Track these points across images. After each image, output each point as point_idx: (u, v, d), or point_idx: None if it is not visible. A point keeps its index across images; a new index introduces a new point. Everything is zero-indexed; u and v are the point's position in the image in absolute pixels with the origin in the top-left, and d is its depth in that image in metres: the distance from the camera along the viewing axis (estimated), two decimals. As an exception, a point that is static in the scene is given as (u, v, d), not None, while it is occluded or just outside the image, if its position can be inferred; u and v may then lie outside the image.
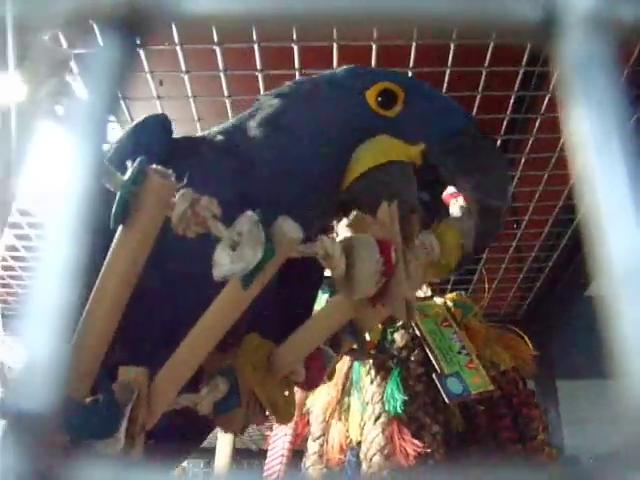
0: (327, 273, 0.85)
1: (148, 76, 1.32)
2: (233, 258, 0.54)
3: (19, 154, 0.54)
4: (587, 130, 0.18)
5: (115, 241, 0.55)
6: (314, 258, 0.62)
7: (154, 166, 0.53)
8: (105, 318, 0.56)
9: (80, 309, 0.55)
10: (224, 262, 0.54)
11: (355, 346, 0.89)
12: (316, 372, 0.82)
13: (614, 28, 0.18)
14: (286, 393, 0.77)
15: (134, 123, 0.79)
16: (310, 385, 0.85)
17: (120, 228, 0.54)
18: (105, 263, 0.55)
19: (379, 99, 0.78)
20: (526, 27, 0.19)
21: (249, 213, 0.55)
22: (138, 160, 0.52)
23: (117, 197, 0.52)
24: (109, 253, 0.55)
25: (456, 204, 0.86)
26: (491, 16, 0.19)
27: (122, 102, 1.38)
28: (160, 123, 0.79)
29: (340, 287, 0.67)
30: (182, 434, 0.78)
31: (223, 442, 2.71)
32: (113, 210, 0.51)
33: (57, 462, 0.16)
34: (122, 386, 0.64)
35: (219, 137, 0.82)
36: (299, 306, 0.88)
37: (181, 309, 0.68)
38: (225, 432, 0.78)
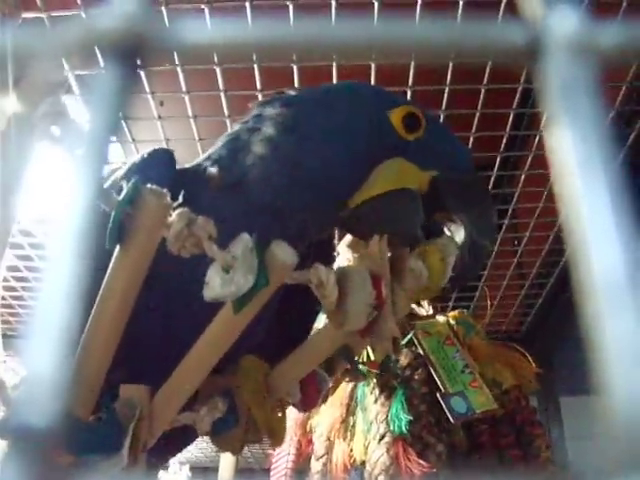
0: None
1: (149, 96, 1.33)
2: (225, 281, 0.54)
3: (16, 174, 0.54)
4: (571, 153, 0.18)
5: (112, 261, 0.55)
6: None
7: (149, 186, 0.53)
8: (105, 337, 0.57)
9: (81, 328, 0.55)
10: (215, 284, 0.54)
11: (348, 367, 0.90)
12: (311, 394, 0.83)
13: (596, 52, 0.19)
14: (280, 415, 0.78)
15: (140, 156, 0.78)
16: (305, 407, 0.85)
17: (117, 248, 0.54)
18: (104, 283, 0.55)
19: (405, 121, 0.78)
20: (512, 52, 0.19)
21: (245, 237, 0.55)
22: (132, 180, 0.52)
23: (112, 217, 0.52)
24: (107, 273, 0.55)
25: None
26: (477, 42, 0.20)
27: (123, 122, 1.39)
28: (167, 157, 0.78)
29: (330, 317, 0.67)
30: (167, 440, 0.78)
31: (226, 461, 2.70)
32: (108, 230, 0.52)
33: (60, 479, 0.17)
34: (124, 404, 0.64)
35: (215, 165, 0.81)
36: (299, 327, 0.88)
37: (180, 328, 0.69)
38: (223, 451, 0.78)
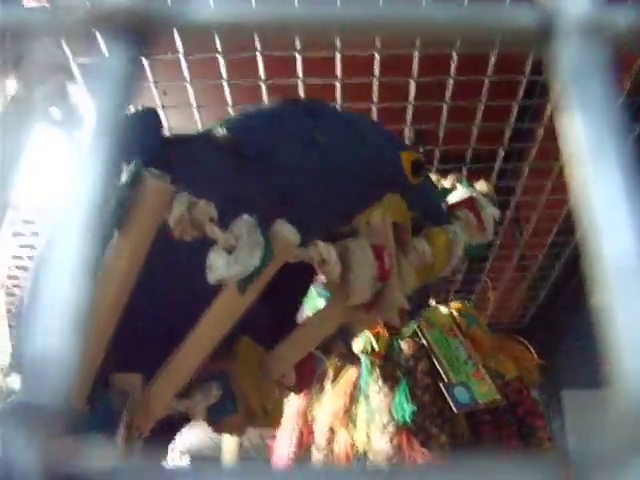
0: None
1: (152, 86, 1.33)
2: (229, 262, 0.54)
3: (13, 157, 0.54)
4: (582, 138, 0.18)
5: (111, 246, 0.54)
6: (303, 263, 0.62)
7: (150, 169, 0.53)
8: (101, 324, 0.56)
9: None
10: (219, 266, 0.54)
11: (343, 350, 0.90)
12: (306, 375, 0.83)
13: (609, 35, 0.18)
14: (276, 397, 0.77)
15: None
16: (300, 388, 0.86)
17: (117, 233, 0.54)
18: (102, 268, 0.55)
19: (414, 165, 0.82)
20: (522, 35, 0.19)
21: (246, 217, 0.55)
22: (133, 163, 0.52)
23: (113, 201, 0.51)
24: (106, 258, 0.55)
25: (456, 210, 0.87)
26: (487, 24, 0.19)
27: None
28: (144, 124, 0.74)
29: (335, 293, 0.67)
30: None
31: (227, 452, 2.71)
32: (109, 214, 0.51)
33: (68, 456, 0.16)
34: (118, 393, 0.64)
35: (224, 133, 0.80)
36: (286, 310, 0.88)
37: (176, 314, 0.68)
38: (224, 434, 0.78)
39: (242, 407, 0.73)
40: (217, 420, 0.72)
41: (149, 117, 0.77)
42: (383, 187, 0.79)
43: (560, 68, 0.18)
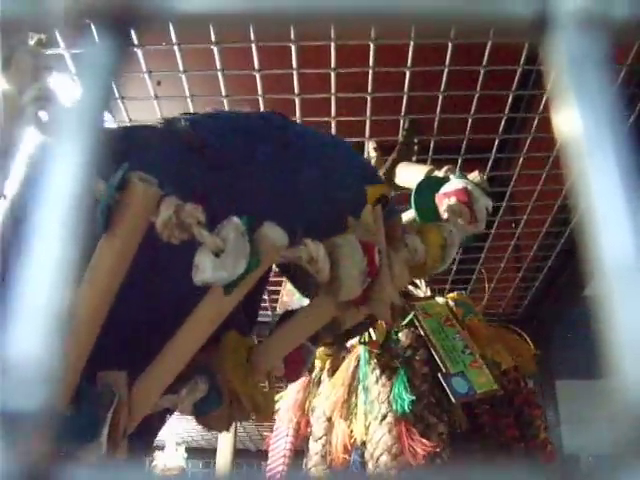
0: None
1: (146, 76, 1.32)
2: (216, 265, 0.54)
3: (4, 158, 0.54)
4: (579, 128, 0.17)
5: (98, 247, 0.54)
6: None
7: (137, 173, 0.53)
8: (87, 324, 0.56)
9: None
10: (206, 268, 0.54)
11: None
12: (296, 366, 0.83)
13: (606, 25, 0.18)
14: (266, 389, 0.77)
15: None
16: (290, 379, 0.86)
17: (104, 234, 0.54)
18: (88, 269, 0.54)
19: (379, 201, 0.81)
20: (518, 25, 0.19)
21: (235, 220, 0.55)
22: (122, 167, 0.52)
23: (100, 204, 0.51)
24: (92, 259, 0.54)
25: (448, 203, 0.87)
26: (483, 14, 0.19)
27: (120, 102, 1.38)
28: None
29: (325, 289, 0.67)
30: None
31: (223, 443, 2.71)
32: (97, 216, 0.51)
33: (48, 462, 0.16)
34: (102, 391, 0.64)
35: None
36: (256, 296, 0.88)
37: (162, 313, 0.68)
38: (210, 431, 0.78)
39: (229, 400, 0.73)
40: (203, 413, 0.72)
41: None
42: (343, 219, 0.78)
43: (556, 58, 0.18)
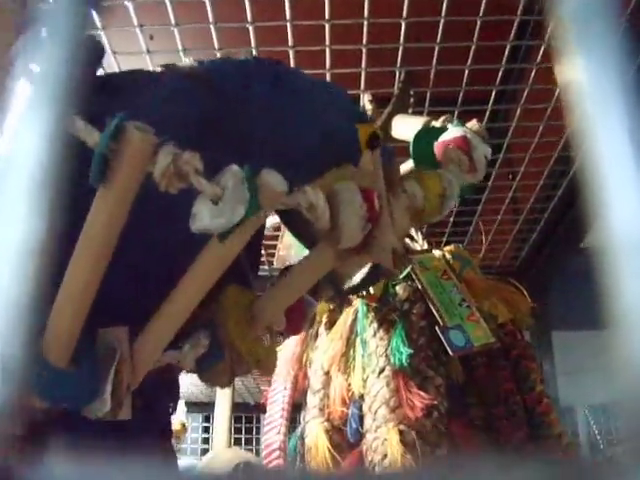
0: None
1: (138, 30, 1.30)
2: (213, 212, 0.53)
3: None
4: (585, 79, 0.17)
5: (95, 201, 0.53)
6: None
7: (133, 122, 0.51)
8: (85, 282, 0.55)
9: (52, 286, 0.54)
10: (204, 215, 0.53)
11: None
12: (297, 320, 0.83)
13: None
14: (267, 343, 0.77)
15: None
16: (291, 332, 0.86)
17: (99, 187, 0.53)
18: (85, 225, 0.54)
19: (370, 139, 0.80)
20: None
21: (234, 168, 0.54)
22: (117, 116, 0.51)
23: (95, 155, 0.50)
24: (88, 215, 0.53)
25: (446, 151, 0.86)
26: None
27: (112, 57, 1.36)
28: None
29: (325, 237, 0.67)
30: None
31: (222, 396, 2.74)
32: (92, 168, 0.50)
33: (17, 461, 0.16)
34: (103, 348, 0.63)
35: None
36: (254, 253, 0.89)
37: (162, 267, 0.68)
38: (211, 387, 0.78)
39: (230, 354, 0.72)
40: (205, 369, 0.72)
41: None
42: (337, 157, 0.78)
43: (562, 9, 0.18)
